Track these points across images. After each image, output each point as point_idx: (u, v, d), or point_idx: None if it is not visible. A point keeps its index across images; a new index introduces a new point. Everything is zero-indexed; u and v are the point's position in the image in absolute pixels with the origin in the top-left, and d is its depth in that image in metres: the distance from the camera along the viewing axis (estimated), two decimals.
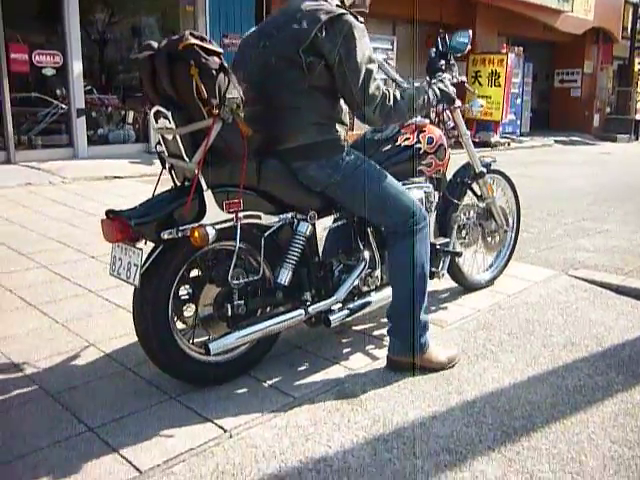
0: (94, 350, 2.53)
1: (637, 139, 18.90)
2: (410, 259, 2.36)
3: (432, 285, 2.82)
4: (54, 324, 2.79)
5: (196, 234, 2.01)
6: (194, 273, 2.27)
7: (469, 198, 3.22)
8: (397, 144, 2.68)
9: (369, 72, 2.20)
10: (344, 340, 2.70)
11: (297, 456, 1.84)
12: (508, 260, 3.49)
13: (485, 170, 3.16)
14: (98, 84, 8.33)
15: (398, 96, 2.30)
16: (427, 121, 2.80)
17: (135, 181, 7.00)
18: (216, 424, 2.00)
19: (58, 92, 7.65)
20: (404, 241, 2.37)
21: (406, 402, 2.17)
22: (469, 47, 2.80)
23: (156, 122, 2.11)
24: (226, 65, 2.01)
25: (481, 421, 2.07)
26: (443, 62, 2.73)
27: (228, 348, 2.20)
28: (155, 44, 2.05)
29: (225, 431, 1.96)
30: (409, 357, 2.36)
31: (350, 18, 2.19)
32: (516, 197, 3.47)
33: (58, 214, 5.06)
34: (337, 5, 2.27)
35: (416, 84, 2.53)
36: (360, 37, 2.19)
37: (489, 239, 3.33)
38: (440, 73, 2.66)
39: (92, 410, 2.07)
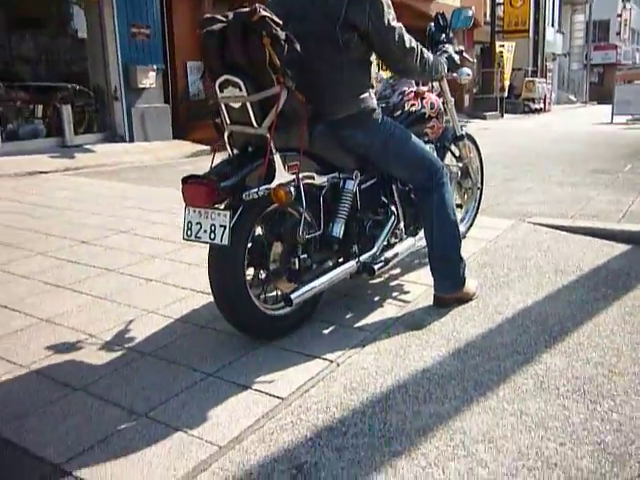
0: (157, 317, 2.66)
1: (502, 116, 20.64)
2: (443, 208, 2.66)
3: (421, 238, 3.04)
4: (98, 300, 2.86)
5: (282, 192, 2.17)
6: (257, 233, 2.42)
7: (448, 159, 3.62)
8: (405, 110, 2.99)
9: (400, 29, 2.42)
10: (370, 291, 3.00)
11: (405, 369, 2.15)
12: (476, 213, 3.94)
13: (464, 133, 3.57)
14: (4, 78, 7.91)
15: (427, 53, 2.60)
16: (426, 88, 3.16)
17: (61, 175, 6.84)
18: (321, 357, 2.25)
19: None
20: (435, 193, 2.66)
21: (463, 324, 2.54)
22: (472, 22, 3.19)
23: (221, 92, 2.22)
24: (291, 36, 2.13)
25: (527, 330, 2.48)
26: (444, 35, 3.10)
27: (306, 297, 2.36)
28: (222, 17, 2.17)
29: (331, 362, 2.22)
30: (454, 292, 2.71)
31: None
32: (480, 157, 3.93)
33: (8, 208, 4.92)
34: None
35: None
36: (383, 1, 2.36)
37: (465, 196, 3.76)
38: (442, 45, 3.03)
39: (198, 361, 2.24)
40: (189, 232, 2.23)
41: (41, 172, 6.74)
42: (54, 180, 6.36)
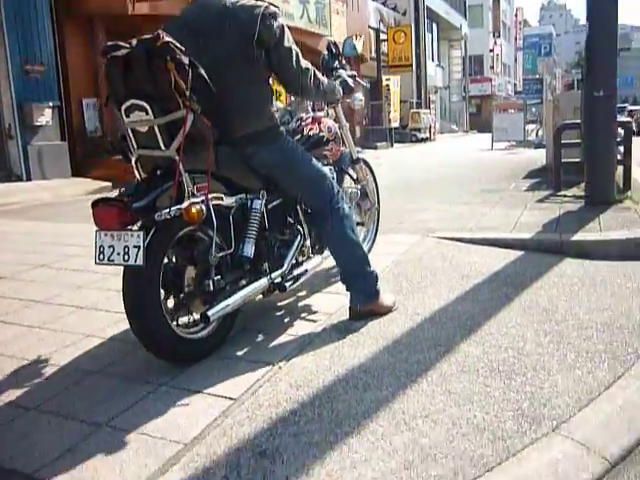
0: (96, 339, 2.72)
1: (392, 145, 21.69)
2: (342, 230, 2.80)
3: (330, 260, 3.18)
4: (31, 329, 2.87)
5: (193, 210, 2.22)
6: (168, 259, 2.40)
7: (347, 182, 3.72)
8: (304, 134, 3.10)
9: (297, 51, 2.62)
10: (293, 307, 3.12)
11: (342, 366, 2.36)
12: (376, 233, 4.07)
13: (360, 157, 3.81)
14: None
15: (321, 76, 2.78)
16: (322, 114, 3.37)
17: None
18: (262, 362, 2.41)
19: None
20: (334, 217, 2.79)
21: (387, 325, 2.79)
22: (360, 51, 3.47)
23: (127, 116, 2.26)
24: (194, 60, 2.22)
25: (445, 326, 2.76)
26: (337, 62, 3.34)
27: (223, 314, 2.45)
28: (126, 44, 2.21)
29: (273, 365, 2.39)
30: (367, 304, 2.83)
31: (275, 9, 2.58)
32: (374, 180, 4.11)
33: None
34: None
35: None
36: (284, 25, 2.58)
37: (366, 216, 3.98)
38: (336, 71, 3.27)
39: (148, 374, 2.34)
40: (101, 256, 2.23)
41: None
42: None
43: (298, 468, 1.72)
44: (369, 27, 21.26)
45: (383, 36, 23.20)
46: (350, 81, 3.24)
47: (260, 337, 2.71)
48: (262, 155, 2.61)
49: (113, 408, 2.09)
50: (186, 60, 2.18)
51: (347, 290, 2.88)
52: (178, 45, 2.17)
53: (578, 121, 6.27)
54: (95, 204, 2.20)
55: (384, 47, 23.36)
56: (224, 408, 2.07)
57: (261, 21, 2.49)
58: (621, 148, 6.26)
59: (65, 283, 3.63)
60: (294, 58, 2.60)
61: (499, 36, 46.83)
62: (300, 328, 2.80)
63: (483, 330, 2.72)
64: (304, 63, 2.66)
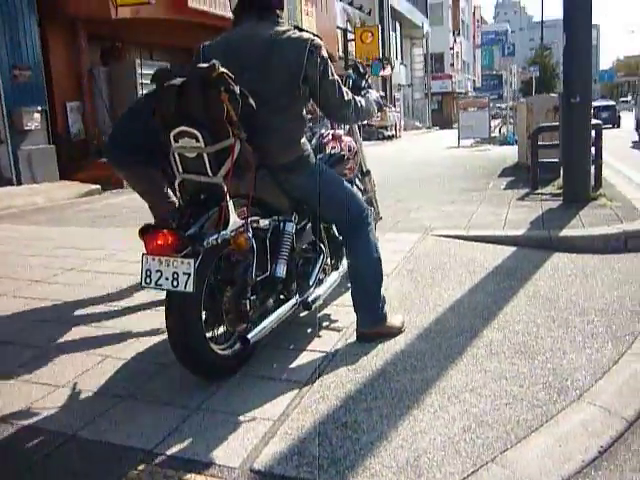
0: (155, 337, 3.00)
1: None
2: (368, 246, 2.85)
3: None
4: (89, 326, 3.14)
5: (242, 239, 2.32)
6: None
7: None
8: (326, 152, 3.19)
9: (339, 82, 2.66)
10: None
11: (388, 351, 2.72)
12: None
13: (369, 169, 4.01)
14: None
15: (359, 100, 2.87)
16: (342, 132, 3.55)
17: None
18: (318, 351, 2.76)
19: None
20: (363, 232, 2.84)
21: (415, 317, 3.15)
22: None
23: (176, 142, 2.32)
24: (245, 91, 2.29)
25: (466, 316, 3.15)
26: (364, 82, 3.65)
27: (262, 335, 2.52)
28: (179, 69, 2.31)
29: (327, 353, 2.73)
30: (376, 327, 2.85)
31: (319, 41, 2.59)
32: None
33: None
34: (296, 27, 2.65)
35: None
36: (327, 57, 2.61)
37: None
38: (365, 90, 3.57)
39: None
40: (148, 280, 2.24)
41: None
42: None
43: (378, 436, 2.06)
44: (337, 27, 21.61)
45: (350, 35, 23.62)
46: (381, 101, 3.39)
47: (306, 329, 3.04)
48: (296, 181, 2.69)
49: (198, 394, 2.39)
50: (238, 90, 2.25)
51: (355, 311, 2.88)
52: (231, 75, 2.24)
53: (554, 124, 6.75)
54: (145, 230, 2.22)
55: (351, 47, 23.76)
56: (297, 390, 2.40)
57: (308, 59, 2.52)
58: (592, 149, 6.76)
59: (103, 285, 3.87)
60: (337, 91, 2.64)
61: (459, 34, 47.89)
62: (340, 325, 3.14)
63: (499, 318, 3.11)
64: (345, 94, 2.70)
